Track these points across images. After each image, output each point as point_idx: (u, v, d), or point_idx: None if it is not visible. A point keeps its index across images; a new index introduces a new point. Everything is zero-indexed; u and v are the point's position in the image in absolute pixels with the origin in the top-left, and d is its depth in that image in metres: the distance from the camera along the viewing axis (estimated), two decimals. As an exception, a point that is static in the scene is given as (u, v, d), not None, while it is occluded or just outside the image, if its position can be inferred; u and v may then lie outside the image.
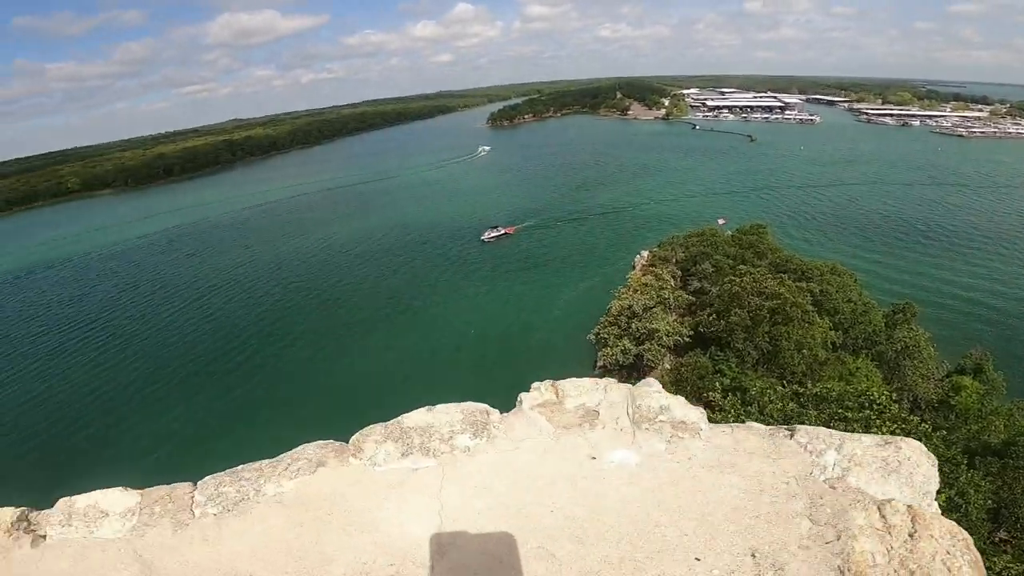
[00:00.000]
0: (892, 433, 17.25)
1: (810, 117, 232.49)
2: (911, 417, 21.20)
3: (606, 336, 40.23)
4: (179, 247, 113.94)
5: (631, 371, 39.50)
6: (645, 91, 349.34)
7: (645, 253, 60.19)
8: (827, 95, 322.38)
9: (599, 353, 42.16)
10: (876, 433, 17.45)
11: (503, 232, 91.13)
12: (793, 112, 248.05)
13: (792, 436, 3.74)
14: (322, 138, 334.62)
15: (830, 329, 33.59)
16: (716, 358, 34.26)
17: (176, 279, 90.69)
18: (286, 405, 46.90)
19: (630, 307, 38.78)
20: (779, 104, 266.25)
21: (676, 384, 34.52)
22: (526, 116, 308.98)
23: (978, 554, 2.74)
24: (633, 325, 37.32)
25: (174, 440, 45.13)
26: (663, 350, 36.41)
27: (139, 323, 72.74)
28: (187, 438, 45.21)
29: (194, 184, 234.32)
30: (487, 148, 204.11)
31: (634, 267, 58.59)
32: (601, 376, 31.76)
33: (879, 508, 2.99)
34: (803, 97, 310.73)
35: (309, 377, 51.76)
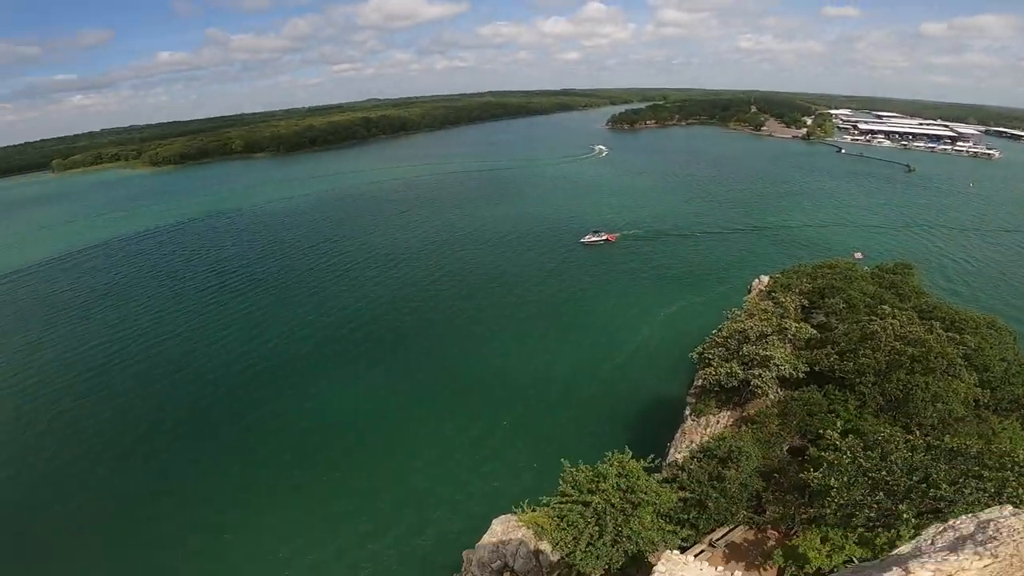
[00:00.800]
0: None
1: (987, 151, 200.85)
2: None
3: (710, 356, 38.94)
4: (323, 211, 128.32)
5: (731, 394, 38.05)
6: (784, 107, 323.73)
7: (765, 278, 56.73)
8: (1013, 128, 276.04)
9: (699, 372, 40.98)
10: (1011, 495, 15.63)
11: (604, 238, 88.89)
12: (966, 144, 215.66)
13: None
14: (447, 123, 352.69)
15: (975, 386, 29.85)
16: (832, 397, 31.91)
17: (315, 241, 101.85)
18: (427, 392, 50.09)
19: (743, 331, 37.15)
20: (950, 134, 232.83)
21: (782, 417, 32.74)
22: (648, 121, 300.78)
23: None
24: (744, 349, 35.74)
25: (358, 419, 46.86)
26: (773, 380, 34.54)
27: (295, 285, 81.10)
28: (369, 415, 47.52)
29: (333, 154, 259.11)
30: (604, 149, 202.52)
31: (750, 291, 55.62)
32: (698, 396, 31.07)
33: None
34: (981, 128, 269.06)
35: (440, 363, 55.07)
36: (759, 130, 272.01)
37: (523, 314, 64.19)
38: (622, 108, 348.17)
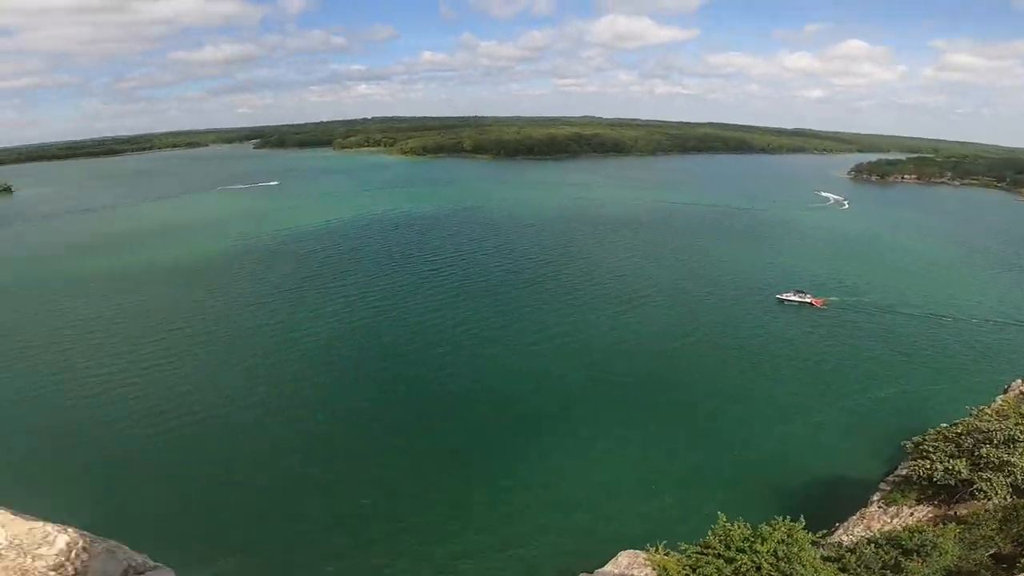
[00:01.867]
0: None
1: None
2: None
3: (930, 449, 34.03)
4: (543, 219, 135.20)
5: (940, 491, 33.05)
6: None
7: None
8: None
9: (909, 463, 35.93)
10: None
11: (808, 300, 78.63)
12: None
13: None
14: (659, 150, 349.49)
15: None
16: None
17: (539, 251, 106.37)
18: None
19: (988, 431, 31.60)
20: None
21: (1002, 522, 27.65)
22: (906, 176, 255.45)
23: None
24: (983, 451, 30.52)
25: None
26: (1005, 485, 29.29)
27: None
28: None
29: (547, 164, 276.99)
30: (843, 201, 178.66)
31: (1006, 390, 45.69)
32: (897, 485, 28.25)
33: None
34: None
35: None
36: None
37: (712, 361, 62.12)
38: (872, 157, 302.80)
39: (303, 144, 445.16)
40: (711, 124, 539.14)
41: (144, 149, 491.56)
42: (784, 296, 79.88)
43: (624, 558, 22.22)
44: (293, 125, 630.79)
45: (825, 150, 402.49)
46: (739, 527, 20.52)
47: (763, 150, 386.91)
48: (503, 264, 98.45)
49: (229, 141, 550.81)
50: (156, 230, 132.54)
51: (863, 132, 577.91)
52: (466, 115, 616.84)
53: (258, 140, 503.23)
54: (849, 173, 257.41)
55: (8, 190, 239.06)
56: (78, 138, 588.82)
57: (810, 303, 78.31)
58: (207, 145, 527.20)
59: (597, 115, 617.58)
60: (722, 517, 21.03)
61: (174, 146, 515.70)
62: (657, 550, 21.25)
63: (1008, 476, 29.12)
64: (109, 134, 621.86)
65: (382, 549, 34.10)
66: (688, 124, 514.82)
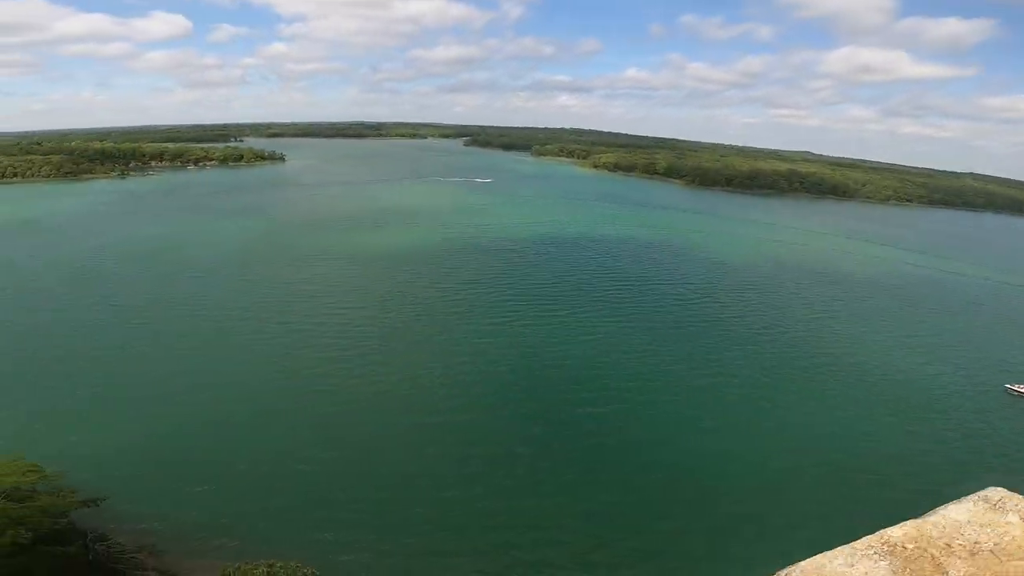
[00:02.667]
0: None
1: None
2: None
3: None
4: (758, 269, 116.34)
5: None
6: None
7: None
8: None
9: None
10: None
11: None
12: None
13: None
14: (892, 198, 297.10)
15: None
16: None
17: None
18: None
19: None
20: None
21: None
22: None
23: None
24: None
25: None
26: None
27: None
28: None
29: (747, 200, 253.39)
30: None
31: None
32: None
33: None
34: None
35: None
36: None
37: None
38: None
39: (505, 146, 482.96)
40: (973, 175, 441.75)
41: (381, 136, 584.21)
42: (1013, 387, 65.48)
43: None
44: (498, 127, 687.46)
45: None
46: None
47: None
48: (702, 311, 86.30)
49: (445, 136, 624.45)
50: (390, 210, 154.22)
51: None
52: (663, 136, 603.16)
53: (467, 138, 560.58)
54: None
55: (282, 159, 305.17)
56: (337, 121, 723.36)
57: None
58: (426, 138, 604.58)
59: (817, 152, 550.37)
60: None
61: (401, 136, 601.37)
62: None
63: None
64: (360, 119, 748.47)
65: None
66: (938, 172, 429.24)
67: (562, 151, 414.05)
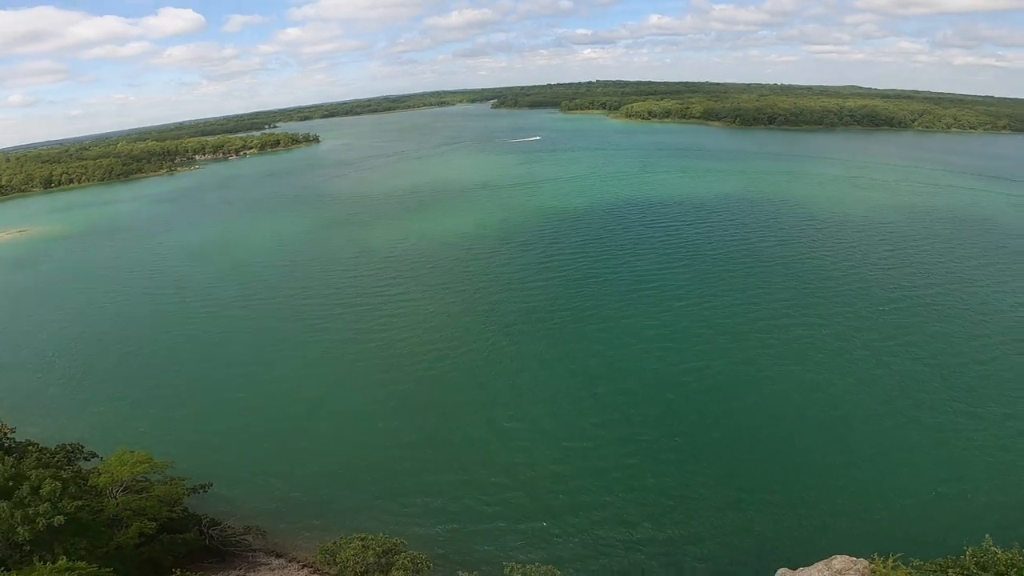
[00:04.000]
0: None
1: None
2: None
3: None
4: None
5: None
6: None
7: None
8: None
9: None
10: None
11: None
12: None
13: None
14: (949, 125, 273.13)
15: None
16: None
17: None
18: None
19: None
20: None
21: None
22: None
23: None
24: None
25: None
26: None
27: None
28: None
29: (795, 137, 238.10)
30: None
31: None
32: None
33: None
34: None
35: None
36: None
37: None
38: None
39: (533, 105, 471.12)
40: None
41: (409, 108, 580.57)
42: None
43: (838, 563, 20.03)
44: (524, 87, 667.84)
45: None
46: (1007, 552, 17.84)
47: None
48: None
49: (472, 101, 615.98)
50: (455, 182, 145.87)
51: None
52: (694, 80, 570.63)
53: (494, 100, 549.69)
54: None
55: (317, 140, 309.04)
56: (363, 97, 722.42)
57: None
58: (454, 104, 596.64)
59: (866, 85, 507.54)
60: (989, 539, 18.44)
61: (427, 105, 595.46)
62: (885, 562, 19.09)
63: None
64: (385, 94, 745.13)
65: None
66: (998, 99, 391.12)
67: (592, 104, 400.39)
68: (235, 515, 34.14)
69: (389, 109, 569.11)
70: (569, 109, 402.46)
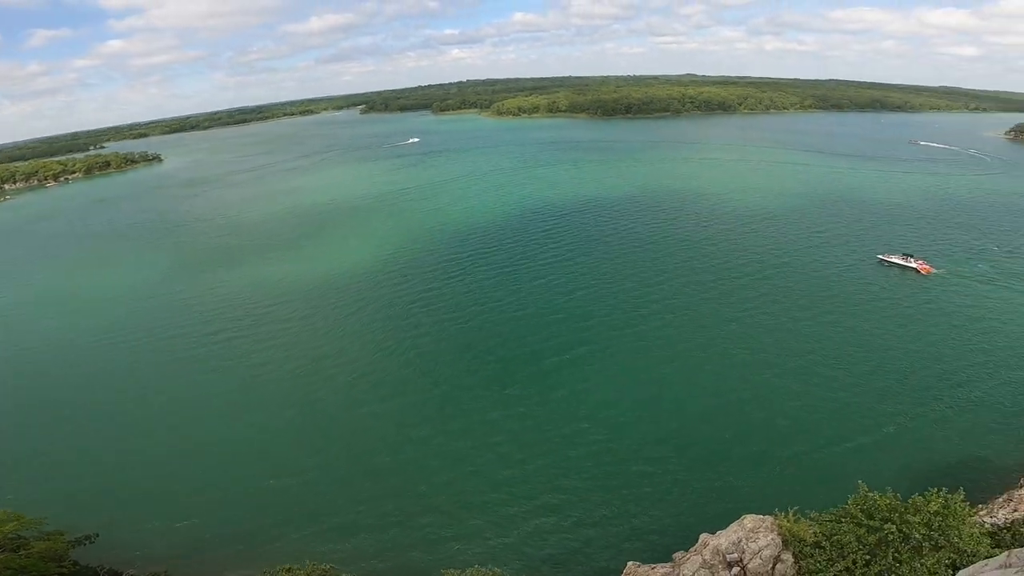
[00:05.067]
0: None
1: None
2: None
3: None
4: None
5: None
6: None
7: None
8: None
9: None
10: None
11: (912, 264, 70.35)
12: None
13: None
14: (771, 108, 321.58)
15: None
16: None
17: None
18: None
19: None
20: None
21: None
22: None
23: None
24: None
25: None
26: None
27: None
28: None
29: (648, 124, 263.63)
30: (996, 160, 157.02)
31: None
32: None
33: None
34: None
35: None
36: None
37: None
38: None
39: (404, 108, 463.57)
40: (835, 81, 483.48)
41: (267, 118, 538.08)
42: (885, 257, 73.41)
43: (749, 521, 21.53)
44: (394, 90, 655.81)
45: (976, 108, 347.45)
46: (884, 497, 19.79)
47: (899, 108, 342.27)
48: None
49: (339, 108, 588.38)
50: (332, 202, 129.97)
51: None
52: (559, 75, 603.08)
53: (364, 105, 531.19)
54: (1008, 133, 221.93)
55: (159, 159, 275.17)
56: (210, 110, 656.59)
57: (916, 268, 69.82)
58: (319, 112, 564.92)
59: (700, 73, 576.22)
60: (863, 486, 20.58)
61: (289, 115, 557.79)
62: (787, 516, 20.92)
63: None
64: (237, 104, 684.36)
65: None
66: (804, 81, 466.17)
67: (464, 103, 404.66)
68: (135, 564, 31.07)
69: (244, 121, 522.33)
70: (442, 110, 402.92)
